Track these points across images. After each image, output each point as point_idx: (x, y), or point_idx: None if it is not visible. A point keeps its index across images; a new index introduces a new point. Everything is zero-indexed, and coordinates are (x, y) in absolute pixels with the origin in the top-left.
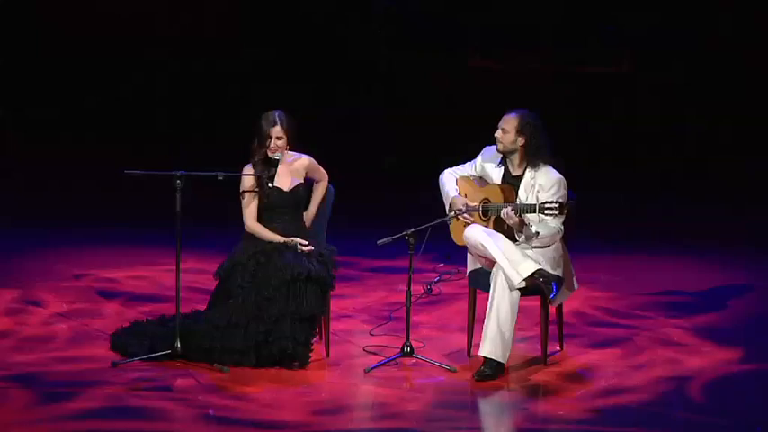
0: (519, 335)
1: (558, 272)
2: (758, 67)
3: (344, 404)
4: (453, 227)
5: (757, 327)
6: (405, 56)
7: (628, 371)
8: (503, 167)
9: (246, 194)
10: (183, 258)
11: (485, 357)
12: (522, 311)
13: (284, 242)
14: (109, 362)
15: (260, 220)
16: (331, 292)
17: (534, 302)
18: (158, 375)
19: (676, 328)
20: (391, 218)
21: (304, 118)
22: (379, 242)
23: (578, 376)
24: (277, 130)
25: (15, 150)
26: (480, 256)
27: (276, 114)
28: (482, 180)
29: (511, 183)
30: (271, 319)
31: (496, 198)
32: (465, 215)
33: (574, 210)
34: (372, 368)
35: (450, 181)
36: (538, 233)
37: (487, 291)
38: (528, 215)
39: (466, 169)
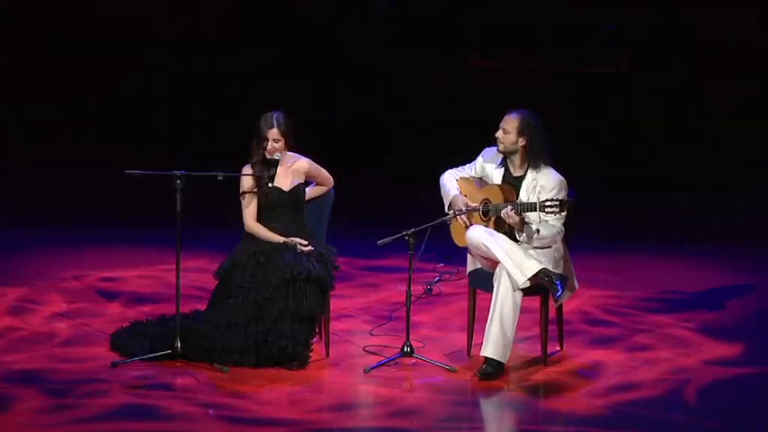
0: (519, 335)
1: (559, 271)
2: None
3: (344, 404)
4: (454, 227)
5: (757, 326)
6: (405, 56)
7: (628, 371)
8: (503, 168)
9: (246, 195)
10: (183, 258)
11: (486, 357)
12: (521, 311)
13: (284, 242)
14: (109, 362)
15: (260, 219)
16: (331, 292)
17: (534, 302)
18: (158, 375)
19: (676, 328)
20: (391, 218)
21: (304, 118)
22: (379, 242)
23: (578, 376)
24: (274, 133)
25: (15, 150)
26: (482, 258)
27: (274, 116)
28: (482, 181)
29: (512, 183)
30: (270, 318)
31: (496, 198)
32: (464, 216)
33: (574, 209)
34: (372, 368)
35: (451, 181)
36: (539, 231)
37: (487, 291)
38: (528, 215)
39: (466, 170)
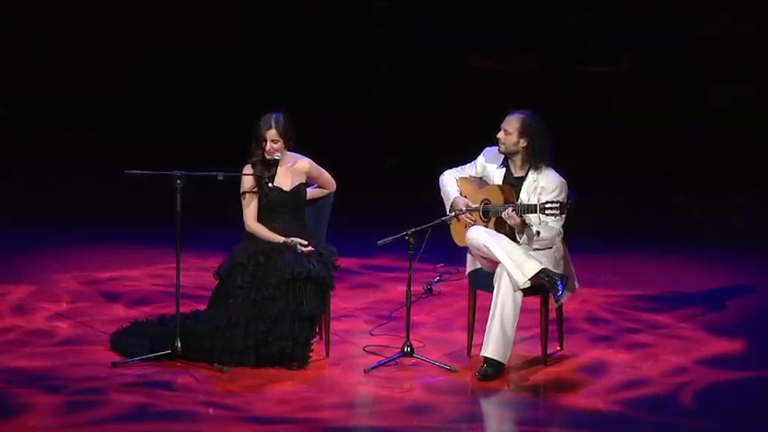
0: (519, 335)
1: (560, 271)
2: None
3: (344, 404)
4: (454, 228)
5: (758, 327)
6: (405, 56)
7: (628, 371)
8: (504, 168)
9: (247, 194)
10: (183, 258)
11: (486, 357)
12: (521, 311)
13: (284, 242)
14: (109, 362)
15: (260, 220)
16: (331, 292)
17: (534, 302)
18: (158, 375)
19: (676, 328)
20: (391, 218)
21: (304, 118)
22: (379, 242)
23: (578, 376)
24: (272, 133)
25: (15, 150)
26: (483, 258)
27: (273, 117)
28: (482, 181)
29: (513, 184)
30: (270, 318)
31: (496, 199)
32: (465, 215)
33: (574, 210)
34: (372, 368)
35: (451, 182)
36: (539, 233)
37: (487, 291)
38: (528, 216)
39: (466, 170)
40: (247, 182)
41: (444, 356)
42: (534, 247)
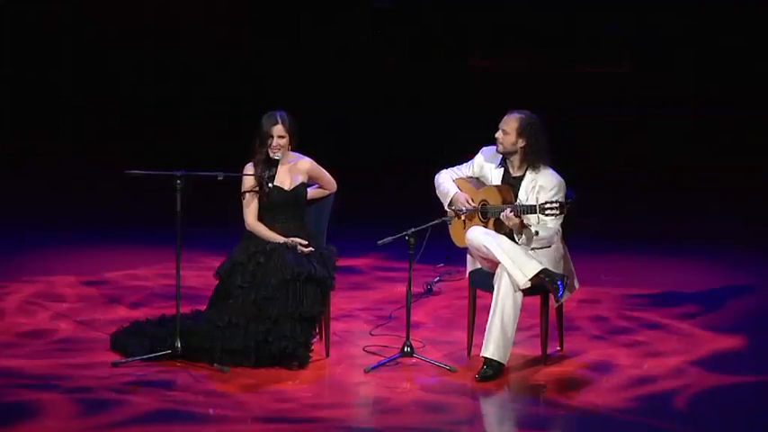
0: (519, 335)
1: (560, 271)
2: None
3: (344, 404)
4: (453, 228)
5: (758, 327)
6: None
7: (628, 371)
8: (503, 168)
9: (247, 194)
10: (183, 258)
11: (486, 358)
12: (521, 311)
13: (284, 242)
14: (109, 362)
15: (261, 219)
16: (331, 292)
17: (534, 302)
18: (158, 375)
19: (676, 328)
20: (391, 218)
21: (304, 118)
22: (379, 242)
23: (578, 376)
24: (278, 129)
25: (15, 150)
26: (483, 258)
27: (278, 114)
28: (479, 181)
29: (511, 183)
30: (270, 319)
31: (494, 199)
32: (466, 216)
33: (574, 209)
34: (372, 368)
35: (448, 180)
36: (537, 233)
37: (488, 291)
38: (528, 216)
39: (463, 170)
40: (248, 181)
41: (444, 356)
42: (533, 246)
